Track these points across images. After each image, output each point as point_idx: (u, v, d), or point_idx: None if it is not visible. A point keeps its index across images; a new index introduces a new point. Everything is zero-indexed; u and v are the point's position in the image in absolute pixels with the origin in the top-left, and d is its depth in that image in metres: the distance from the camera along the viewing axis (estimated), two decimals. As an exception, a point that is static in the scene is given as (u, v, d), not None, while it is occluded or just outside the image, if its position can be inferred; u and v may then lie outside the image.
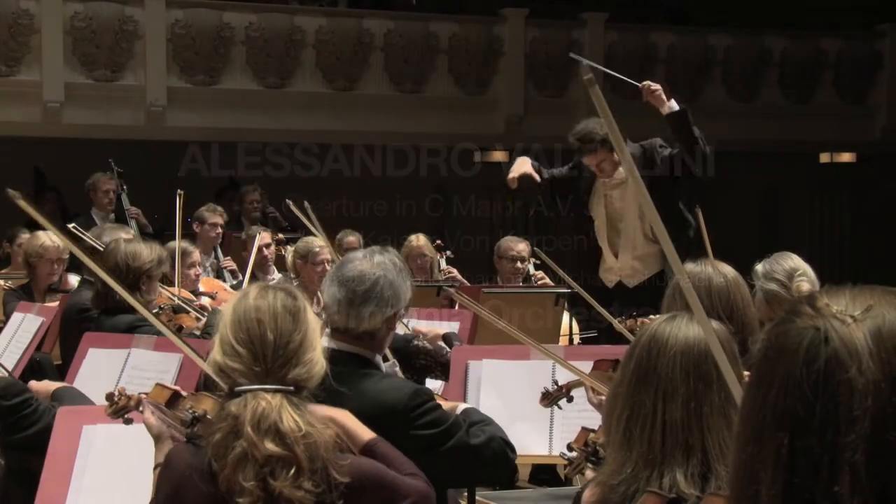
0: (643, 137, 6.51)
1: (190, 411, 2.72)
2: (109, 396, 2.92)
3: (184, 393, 2.83)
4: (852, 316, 1.21)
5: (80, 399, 3.65)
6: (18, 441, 3.45)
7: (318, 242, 6.73)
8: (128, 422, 2.92)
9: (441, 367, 4.36)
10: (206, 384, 4.15)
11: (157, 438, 2.79)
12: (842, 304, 1.23)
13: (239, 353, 2.53)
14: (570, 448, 3.15)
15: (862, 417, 1.17)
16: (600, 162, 6.38)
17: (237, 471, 2.42)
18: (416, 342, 4.50)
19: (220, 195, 11.09)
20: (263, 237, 7.89)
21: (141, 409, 2.86)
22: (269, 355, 2.53)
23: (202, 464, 2.49)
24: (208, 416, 2.68)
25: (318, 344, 2.64)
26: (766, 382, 1.24)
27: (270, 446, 2.42)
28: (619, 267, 6.57)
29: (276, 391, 2.50)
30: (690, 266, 3.50)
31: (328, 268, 6.85)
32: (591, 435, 3.04)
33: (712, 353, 2.23)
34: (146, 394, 2.88)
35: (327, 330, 3.47)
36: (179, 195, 6.97)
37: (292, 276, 6.92)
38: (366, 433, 2.74)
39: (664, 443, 2.15)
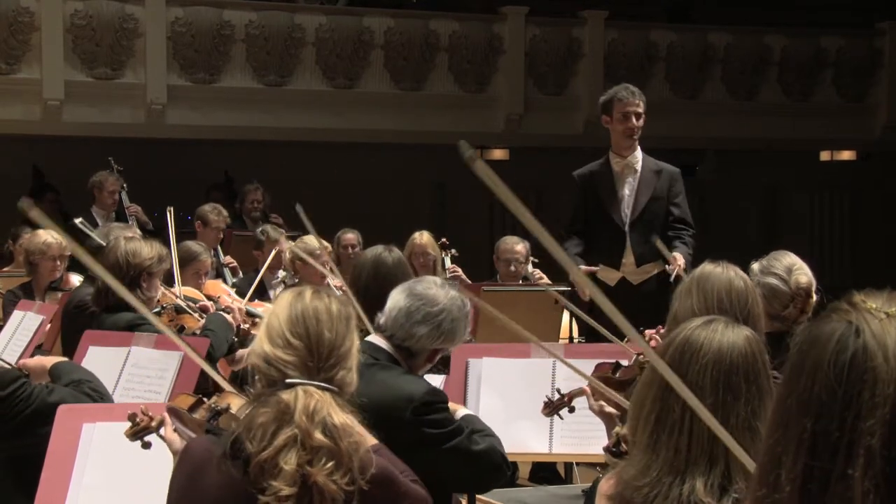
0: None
1: (213, 405, 2.75)
2: (132, 416, 2.92)
3: (207, 400, 2.87)
4: (886, 312, 1.26)
5: (79, 372, 3.65)
6: (13, 428, 3.44)
7: (317, 243, 6.72)
8: (146, 445, 2.92)
9: (441, 361, 4.39)
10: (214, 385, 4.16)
11: (177, 454, 2.80)
12: (878, 302, 1.28)
13: (294, 345, 2.56)
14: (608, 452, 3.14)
15: (882, 404, 1.20)
16: (635, 110, 6.34)
17: (280, 453, 2.45)
18: None
19: (215, 190, 11.10)
20: (281, 242, 7.87)
21: (162, 431, 2.88)
22: (323, 353, 2.57)
23: (223, 450, 2.50)
24: (231, 411, 2.72)
25: (357, 356, 2.68)
26: (796, 372, 1.28)
27: (320, 437, 2.46)
28: (630, 262, 6.42)
29: (325, 389, 2.54)
30: (710, 266, 3.49)
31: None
32: (617, 428, 3.04)
33: (743, 364, 2.23)
34: (169, 406, 2.90)
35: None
36: (170, 211, 6.80)
37: (291, 273, 6.92)
38: (368, 440, 2.75)
39: (689, 450, 2.15)
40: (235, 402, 2.76)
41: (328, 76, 12.55)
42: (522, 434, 4.12)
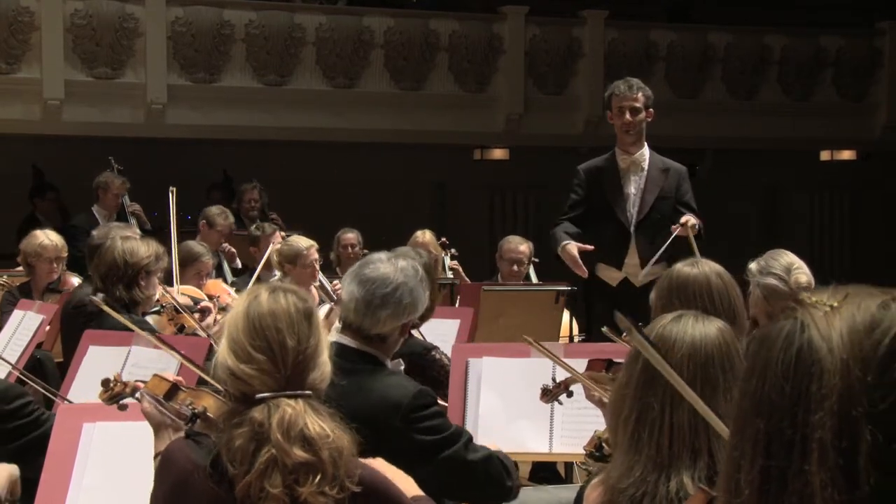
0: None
1: (189, 407, 2.71)
2: (105, 382, 2.93)
3: (182, 387, 2.83)
4: (831, 305, 1.26)
5: None
6: (16, 449, 3.41)
7: (303, 244, 6.69)
8: (122, 407, 2.94)
9: (443, 378, 4.33)
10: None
11: (157, 428, 2.79)
12: (824, 296, 1.28)
13: (257, 359, 2.49)
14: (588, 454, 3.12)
15: (829, 395, 1.20)
16: (631, 105, 6.15)
17: (263, 477, 2.41)
18: (434, 353, 4.48)
19: (213, 189, 11.09)
20: (276, 237, 7.89)
21: (137, 395, 2.86)
22: (289, 362, 2.50)
23: (206, 462, 2.47)
24: (208, 414, 2.68)
25: (327, 344, 2.63)
26: (748, 374, 1.29)
27: (299, 453, 2.41)
28: (633, 262, 6.22)
29: (297, 397, 2.49)
30: (685, 269, 3.42)
31: (317, 267, 6.84)
32: (598, 431, 3.04)
33: (718, 355, 2.23)
34: (144, 382, 2.89)
35: (337, 325, 3.49)
36: (172, 191, 6.94)
37: (282, 274, 6.91)
38: (411, 488, 2.71)
39: (671, 446, 2.15)
40: (212, 403, 2.72)
41: (328, 76, 12.55)
42: (522, 434, 4.11)
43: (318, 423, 2.45)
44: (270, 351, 2.49)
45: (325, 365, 2.57)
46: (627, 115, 6.19)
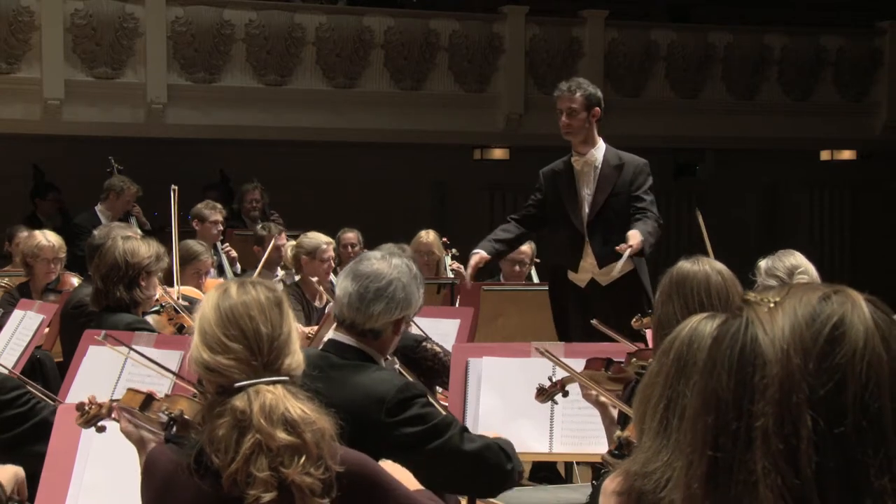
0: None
1: (165, 412, 2.73)
2: (80, 406, 2.93)
3: (157, 396, 2.85)
4: (774, 301, 1.31)
5: None
6: (10, 440, 3.41)
7: (323, 238, 6.80)
8: (101, 430, 2.94)
9: (448, 374, 4.34)
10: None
11: (139, 445, 2.80)
12: (768, 295, 1.33)
13: (232, 349, 2.51)
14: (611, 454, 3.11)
15: (771, 384, 1.24)
16: (568, 106, 6.13)
17: (249, 463, 2.42)
18: (425, 344, 4.50)
19: (209, 189, 11.09)
20: (281, 237, 7.94)
21: (113, 416, 2.87)
22: (264, 348, 2.53)
23: (188, 461, 2.48)
24: (185, 417, 2.69)
25: (297, 334, 2.66)
26: (699, 373, 1.35)
27: (283, 436, 2.43)
28: (590, 263, 6.20)
29: (275, 382, 2.51)
30: (686, 265, 3.42)
31: (333, 264, 6.91)
32: (618, 432, 3.04)
33: None
34: (117, 401, 2.90)
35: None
36: (174, 190, 7.00)
37: (292, 271, 6.95)
38: (412, 483, 2.73)
39: None
40: (187, 406, 2.73)
41: (328, 76, 12.55)
42: (522, 433, 4.11)
43: (299, 407, 2.48)
44: (245, 339, 2.53)
45: (298, 353, 2.60)
46: (563, 117, 6.18)
